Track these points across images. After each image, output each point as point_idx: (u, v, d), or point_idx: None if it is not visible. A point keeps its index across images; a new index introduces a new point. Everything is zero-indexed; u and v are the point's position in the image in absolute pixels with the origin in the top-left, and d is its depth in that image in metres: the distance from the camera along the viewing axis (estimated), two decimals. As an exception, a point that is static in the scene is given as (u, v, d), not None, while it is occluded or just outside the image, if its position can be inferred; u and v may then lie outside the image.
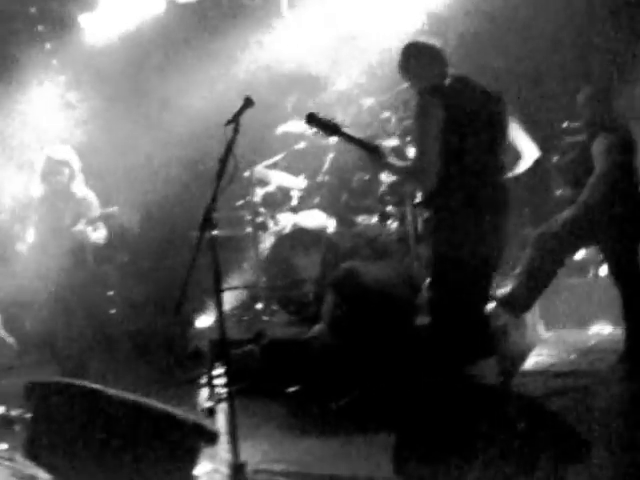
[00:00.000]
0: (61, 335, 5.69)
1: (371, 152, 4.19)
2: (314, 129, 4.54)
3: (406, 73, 4.30)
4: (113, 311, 6.26)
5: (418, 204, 4.44)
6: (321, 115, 4.23)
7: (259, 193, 6.79)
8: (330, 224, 6.50)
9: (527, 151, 4.38)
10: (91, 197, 6.08)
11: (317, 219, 6.49)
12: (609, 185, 5.22)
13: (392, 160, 4.24)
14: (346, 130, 4.25)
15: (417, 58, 4.23)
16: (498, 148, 4.18)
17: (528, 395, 4.28)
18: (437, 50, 4.22)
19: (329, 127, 4.26)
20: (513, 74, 6.54)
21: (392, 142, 6.00)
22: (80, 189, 6.09)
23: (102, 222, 5.97)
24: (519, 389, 4.34)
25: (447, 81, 4.13)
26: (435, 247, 4.18)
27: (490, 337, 4.19)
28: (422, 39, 4.35)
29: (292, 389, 5.30)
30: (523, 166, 4.39)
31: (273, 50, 7.28)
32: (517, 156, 4.38)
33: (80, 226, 5.85)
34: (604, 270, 6.13)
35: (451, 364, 4.04)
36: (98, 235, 5.96)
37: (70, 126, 7.09)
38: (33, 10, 7.14)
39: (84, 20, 7.35)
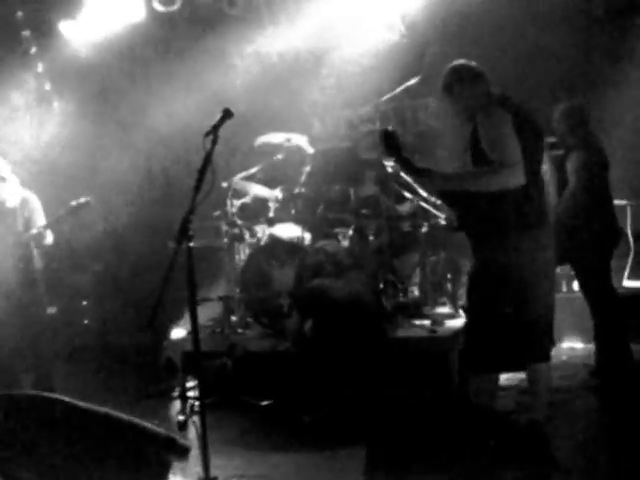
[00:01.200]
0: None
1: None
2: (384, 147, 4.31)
3: (450, 94, 4.29)
4: (86, 321, 6.20)
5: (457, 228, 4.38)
6: (397, 136, 4.22)
7: (236, 204, 6.78)
8: (306, 237, 6.50)
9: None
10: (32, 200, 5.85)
11: (293, 231, 6.49)
12: (580, 203, 5.28)
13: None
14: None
15: (461, 79, 4.25)
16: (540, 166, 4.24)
17: (497, 411, 4.29)
18: (479, 71, 4.27)
19: (395, 149, 4.22)
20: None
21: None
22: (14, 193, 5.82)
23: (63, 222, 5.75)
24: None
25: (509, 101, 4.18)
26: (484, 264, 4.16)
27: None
28: (464, 61, 4.35)
29: (264, 403, 5.29)
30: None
31: (250, 61, 7.29)
32: None
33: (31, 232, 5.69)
34: (576, 286, 6.16)
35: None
36: (48, 240, 5.78)
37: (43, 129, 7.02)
38: (19, 15, 7.07)
39: (65, 27, 7.30)
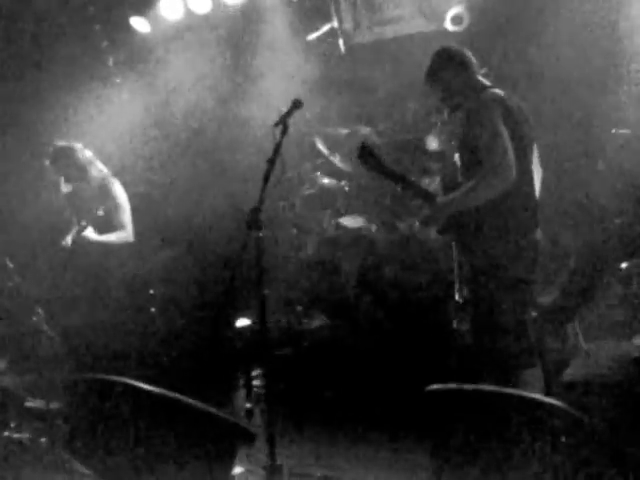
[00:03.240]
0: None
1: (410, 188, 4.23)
2: (363, 163, 4.30)
3: (434, 80, 4.20)
4: (153, 309, 6.28)
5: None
6: (374, 151, 4.19)
7: (302, 195, 6.80)
8: (372, 228, 6.49)
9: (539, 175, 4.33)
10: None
11: (359, 222, 6.48)
12: None
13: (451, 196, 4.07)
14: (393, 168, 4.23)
15: (446, 65, 4.15)
16: (532, 166, 4.14)
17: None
18: (465, 57, 4.17)
19: (378, 163, 4.22)
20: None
21: None
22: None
23: None
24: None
25: (493, 90, 4.07)
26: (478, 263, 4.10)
27: (532, 347, 4.12)
28: (449, 46, 4.27)
29: (329, 393, 5.30)
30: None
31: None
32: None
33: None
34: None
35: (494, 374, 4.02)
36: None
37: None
38: (91, 9, 7.19)
39: (136, 22, 7.40)
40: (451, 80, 4.15)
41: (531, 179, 4.08)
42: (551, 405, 2.95)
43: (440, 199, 4.12)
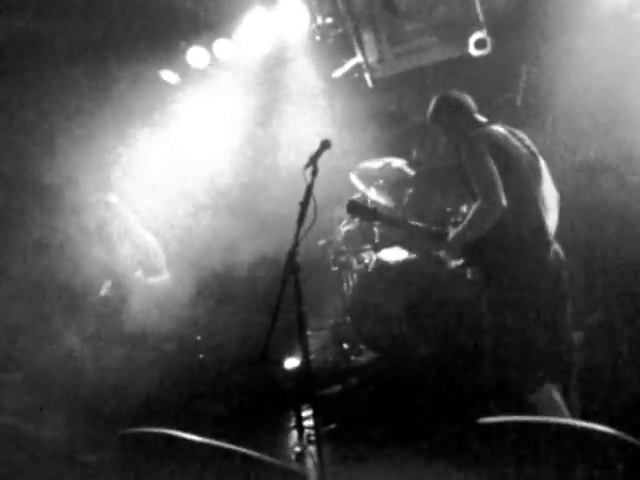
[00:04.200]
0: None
1: (414, 232, 4.52)
2: (355, 217, 4.81)
3: (435, 124, 4.64)
4: (201, 356, 6.32)
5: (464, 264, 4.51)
6: (360, 202, 4.41)
7: (341, 232, 6.81)
8: (414, 260, 6.46)
9: (554, 199, 4.47)
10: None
11: (399, 254, 6.46)
12: None
13: (450, 233, 4.40)
14: (385, 213, 4.54)
15: (443, 111, 4.60)
16: (538, 191, 4.32)
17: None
18: (461, 101, 4.58)
19: (369, 213, 4.68)
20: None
21: None
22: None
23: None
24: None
25: (484, 127, 4.40)
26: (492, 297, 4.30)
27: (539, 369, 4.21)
28: (446, 93, 4.67)
29: (381, 431, 5.24)
30: (554, 219, 4.43)
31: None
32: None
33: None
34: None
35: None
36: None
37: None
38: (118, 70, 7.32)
39: (166, 75, 7.53)
40: (448, 121, 4.58)
41: (528, 204, 4.26)
42: (605, 433, 2.89)
43: (450, 235, 4.39)
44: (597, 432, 2.93)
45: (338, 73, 7.50)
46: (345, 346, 6.46)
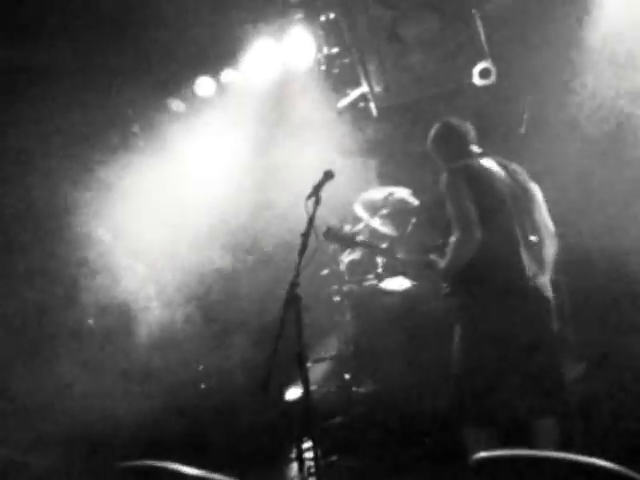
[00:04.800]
0: None
1: (392, 258, 4.57)
2: (332, 243, 4.88)
3: (431, 153, 4.74)
4: (203, 386, 6.31)
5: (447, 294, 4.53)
6: (337, 229, 4.47)
7: (344, 262, 6.79)
8: (417, 288, 6.43)
9: (548, 232, 4.50)
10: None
11: (402, 284, 6.43)
12: None
13: (432, 257, 4.52)
14: (363, 239, 4.56)
15: (434, 140, 4.70)
16: (524, 223, 4.39)
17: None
18: (451, 132, 4.65)
19: (346, 240, 4.80)
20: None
21: None
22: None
23: None
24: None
25: (470, 159, 4.47)
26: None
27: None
28: (441, 122, 4.76)
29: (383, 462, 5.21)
30: (549, 252, 4.46)
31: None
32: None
33: None
34: None
35: None
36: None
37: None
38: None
39: (173, 104, 7.56)
40: (437, 150, 4.69)
41: (505, 238, 4.30)
42: (607, 469, 2.85)
43: (440, 265, 4.43)
44: (599, 467, 2.89)
45: (343, 103, 7.53)
46: (347, 377, 6.42)
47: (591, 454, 2.72)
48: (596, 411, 5.01)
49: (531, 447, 4.02)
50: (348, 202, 6.82)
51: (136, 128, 7.23)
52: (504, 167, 4.52)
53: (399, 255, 4.87)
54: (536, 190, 4.55)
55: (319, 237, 4.17)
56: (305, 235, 4.09)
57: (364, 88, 7.56)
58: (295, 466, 5.53)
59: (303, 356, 3.93)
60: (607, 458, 2.60)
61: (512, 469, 3.05)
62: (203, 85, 7.51)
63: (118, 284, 6.05)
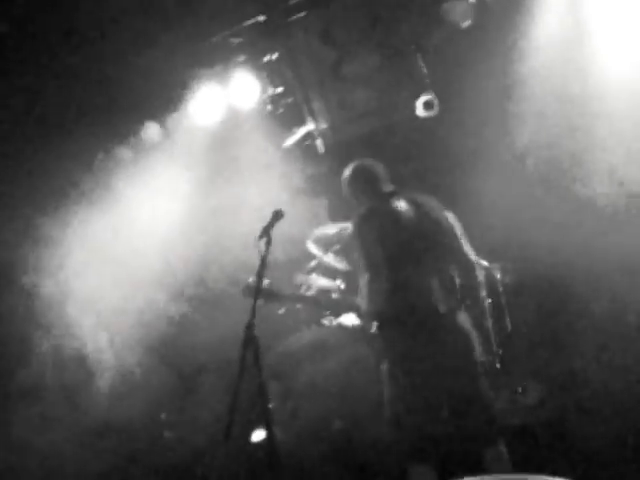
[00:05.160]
0: None
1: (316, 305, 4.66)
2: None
3: (346, 194, 4.91)
4: (167, 434, 6.23)
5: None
6: (253, 285, 4.54)
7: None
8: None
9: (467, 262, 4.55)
10: None
11: (354, 321, 6.44)
12: None
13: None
14: (284, 292, 5.18)
15: (343, 182, 4.87)
16: (438, 259, 4.48)
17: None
18: (353, 174, 4.82)
19: (268, 295, 5.06)
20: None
21: None
22: None
23: None
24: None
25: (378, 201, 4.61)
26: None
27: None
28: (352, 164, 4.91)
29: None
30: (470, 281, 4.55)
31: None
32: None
33: None
34: None
35: None
36: None
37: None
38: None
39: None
40: (353, 193, 4.82)
41: (416, 274, 4.39)
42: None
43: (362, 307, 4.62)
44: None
45: (290, 141, 7.59)
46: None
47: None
48: (557, 432, 5.07)
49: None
50: (300, 240, 6.84)
51: (80, 178, 7.13)
52: (414, 203, 4.56)
53: (323, 302, 4.96)
54: (451, 221, 4.60)
55: (272, 277, 4.18)
56: (259, 275, 4.10)
57: (310, 126, 7.65)
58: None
59: (264, 395, 3.93)
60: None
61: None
62: (149, 131, 7.50)
63: (70, 337, 5.95)
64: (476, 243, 6.87)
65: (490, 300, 6.61)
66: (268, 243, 4.20)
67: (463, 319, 4.41)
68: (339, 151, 7.65)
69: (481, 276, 4.62)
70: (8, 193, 6.57)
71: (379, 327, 4.45)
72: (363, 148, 7.42)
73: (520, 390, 5.96)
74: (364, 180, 4.71)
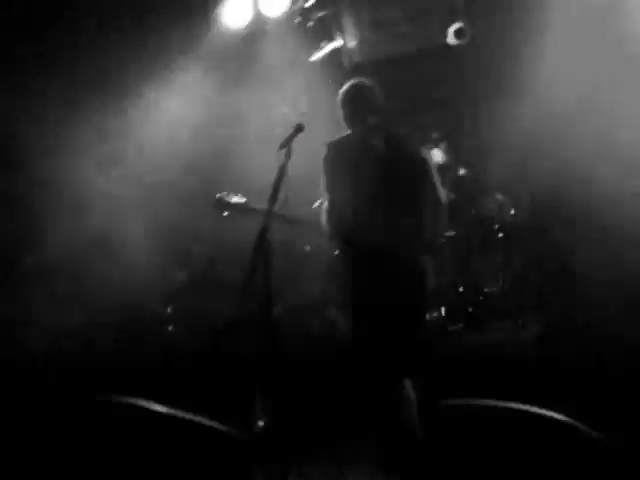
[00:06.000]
0: None
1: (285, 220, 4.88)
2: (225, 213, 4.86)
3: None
4: (170, 328, 6.36)
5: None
6: (227, 197, 4.46)
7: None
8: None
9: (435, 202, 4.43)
10: None
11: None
12: None
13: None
14: (255, 205, 4.79)
15: (344, 102, 4.44)
16: (399, 195, 4.33)
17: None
18: (341, 97, 4.44)
19: (237, 208, 4.90)
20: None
21: None
22: None
23: None
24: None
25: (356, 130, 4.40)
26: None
27: None
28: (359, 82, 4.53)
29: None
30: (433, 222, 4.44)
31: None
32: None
33: None
34: None
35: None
36: None
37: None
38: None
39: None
40: (344, 115, 4.46)
41: (374, 205, 4.30)
42: (560, 422, 2.97)
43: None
44: (550, 419, 3.02)
45: (316, 56, 7.54)
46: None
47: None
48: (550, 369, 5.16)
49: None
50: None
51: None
52: (393, 140, 4.42)
53: (290, 216, 4.96)
54: (427, 160, 4.49)
55: (288, 189, 4.20)
56: (275, 186, 4.10)
57: (338, 42, 7.58)
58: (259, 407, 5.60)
59: (272, 301, 4.01)
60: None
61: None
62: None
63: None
64: (494, 175, 6.96)
65: (501, 234, 6.72)
66: (288, 155, 4.17)
67: (423, 265, 4.38)
68: (364, 70, 7.57)
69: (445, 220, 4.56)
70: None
71: (339, 248, 4.53)
72: (389, 70, 7.39)
73: (521, 323, 6.11)
74: (353, 106, 4.38)
